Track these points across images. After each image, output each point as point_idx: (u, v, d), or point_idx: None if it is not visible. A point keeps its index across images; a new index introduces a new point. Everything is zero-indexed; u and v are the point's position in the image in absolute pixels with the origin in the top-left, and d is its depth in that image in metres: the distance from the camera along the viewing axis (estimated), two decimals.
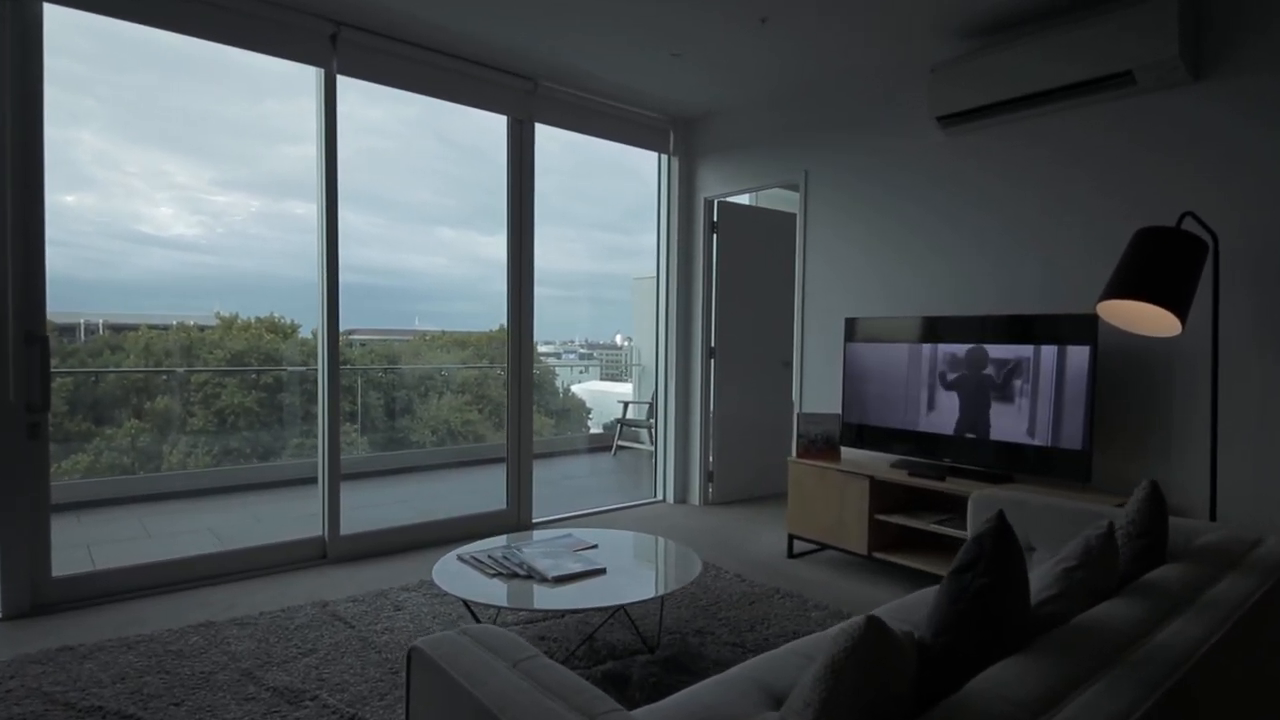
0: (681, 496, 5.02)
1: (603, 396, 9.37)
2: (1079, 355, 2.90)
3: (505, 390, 4.31)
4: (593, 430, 8.77)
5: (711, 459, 4.95)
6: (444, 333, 8.50)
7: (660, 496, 5.08)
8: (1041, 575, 1.41)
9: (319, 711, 2.10)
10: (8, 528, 2.81)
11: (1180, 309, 2.44)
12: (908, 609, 1.83)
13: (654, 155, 4.98)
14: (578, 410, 9.45)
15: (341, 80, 3.50)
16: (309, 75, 3.50)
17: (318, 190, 3.54)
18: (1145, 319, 2.58)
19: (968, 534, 2.48)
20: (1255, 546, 1.73)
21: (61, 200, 6.02)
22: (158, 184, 6.86)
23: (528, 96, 4.14)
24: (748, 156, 4.59)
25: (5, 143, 2.75)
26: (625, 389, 9.39)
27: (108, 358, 6.10)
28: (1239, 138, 2.73)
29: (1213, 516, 2.63)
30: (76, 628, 2.71)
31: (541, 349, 9.82)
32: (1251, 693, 1.35)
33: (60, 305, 6.00)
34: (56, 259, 5.94)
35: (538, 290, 4.28)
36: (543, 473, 6.60)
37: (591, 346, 11.65)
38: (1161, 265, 2.48)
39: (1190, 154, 2.85)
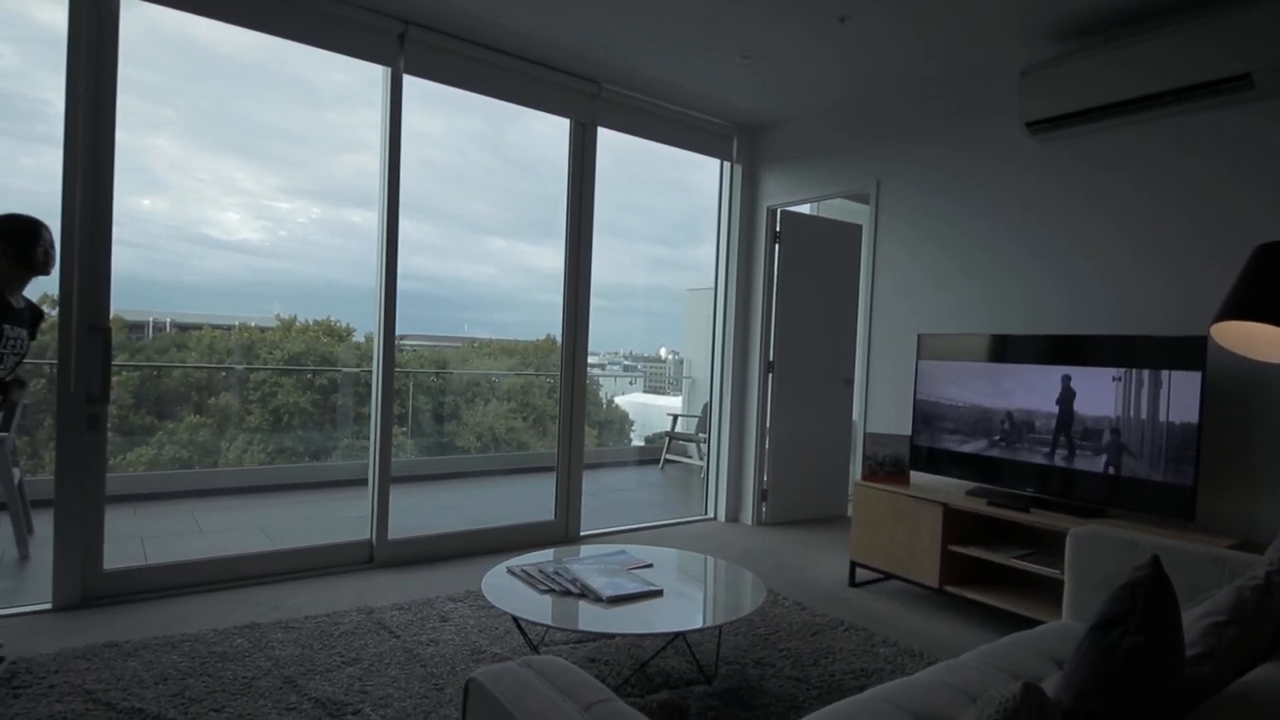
0: (734, 515, 4.84)
1: (645, 409, 9.28)
2: (1187, 381, 2.65)
3: (554, 399, 4.21)
4: (635, 443, 8.67)
5: (766, 477, 4.76)
6: (492, 340, 8.53)
7: (711, 514, 4.91)
8: (1191, 631, 1.22)
9: None
10: (63, 519, 2.81)
11: None
12: (1004, 655, 1.63)
13: (715, 162, 4.85)
14: (620, 422, 9.36)
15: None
16: (368, 87, 3.48)
17: (380, 193, 3.51)
18: (1266, 342, 2.33)
19: (1065, 573, 2.26)
20: None
21: (137, 204, 6.22)
22: (226, 189, 7.07)
23: (591, 100, 4.06)
24: (814, 164, 4.42)
25: (78, 143, 2.77)
26: (668, 401, 9.23)
27: (173, 355, 6.26)
28: None
29: None
30: (123, 623, 2.68)
31: (588, 359, 9.79)
32: None
33: (131, 303, 6.19)
34: (130, 259, 6.10)
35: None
36: (588, 484, 6.50)
37: (636, 359, 11.57)
38: None
39: None
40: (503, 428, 7.68)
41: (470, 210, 9.09)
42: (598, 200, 4.15)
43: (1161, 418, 2.71)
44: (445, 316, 9.26)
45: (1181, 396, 2.66)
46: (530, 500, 4.29)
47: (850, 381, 4.98)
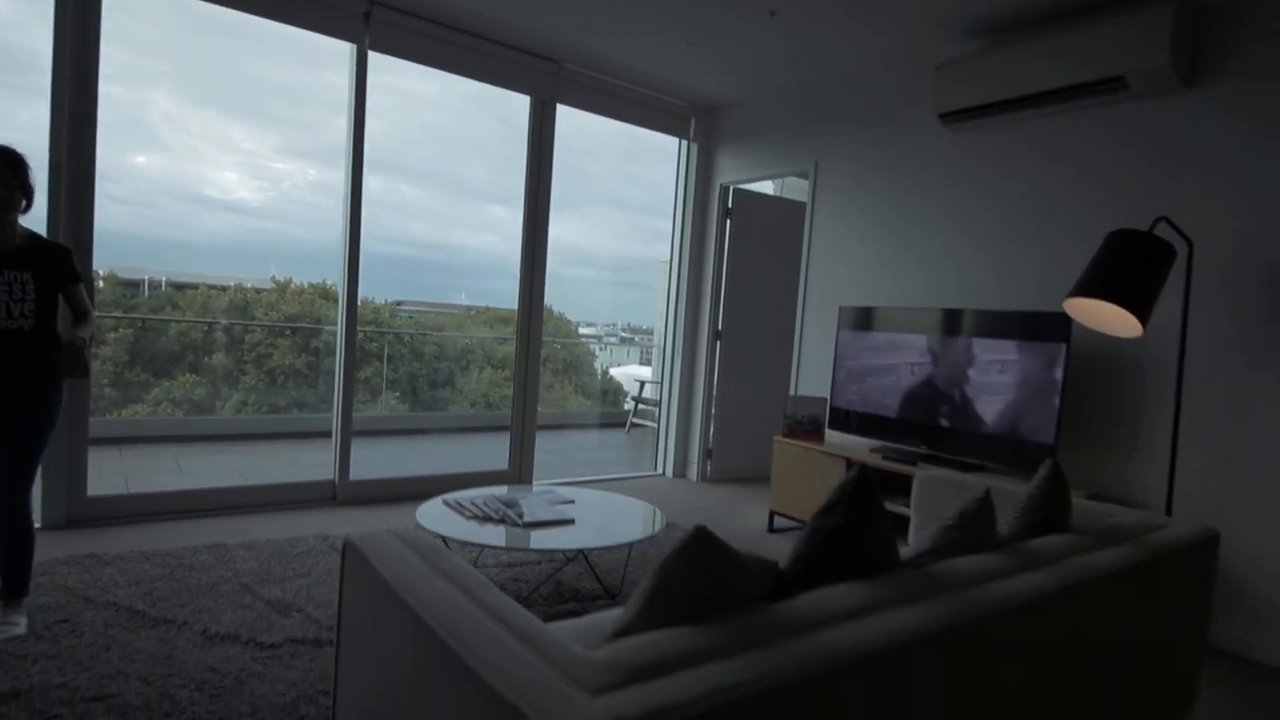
0: (680, 472, 5.20)
1: (639, 379, 9.56)
2: (1053, 352, 2.98)
3: (549, 367, 4.52)
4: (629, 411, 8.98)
5: (712, 438, 5.11)
6: (488, 308, 8.76)
7: (660, 470, 5.26)
8: (925, 535, 1.56)
9: (302, 621, 2.35)
10: (49, 448, 3.13)
11: (1142, 311, 2.51)
12: None
13: (675, 141, 5.12)
14: (615, 392, 9.57)
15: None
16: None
17: (346, 159, 3.78)
18: (1109, 318, 2.65)
19: (910, 509, 2.61)
20: (1158, 530, 1.84)
21: (132, 160, 6.37)
22: (223, 148, 7.17)
23: (551, 78, 4.31)
24: (763, 145, 4.70)
25: (64, 94, 3.03)
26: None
27: (168, 314, 6.44)
28: (1223, 147, 2.77)
29: (1168, 511, 2.70)
30: (104, 540, 3.02)
31: (584, 330, 9.96)
32: (1090, 649, 1.48)
33: (126, 260, 6.36)
34: (124, 216, 6.26)
35: (582, 272, 4.48)
36: (555, 443, 6.85)
37: (634, 331, 11.76)
38: (1128, 267, 2.55)
39: (1176, 160, 2.89)
40: (497, 395, 7.95)
41: (472, 177, 9.19)
42: (601, 172, 4.39)
43: (1032, 384, 3.04)
44: (445, 283, 9.44)
45: (1049, 366, 2.99)
46: (498, 454, 4.63)
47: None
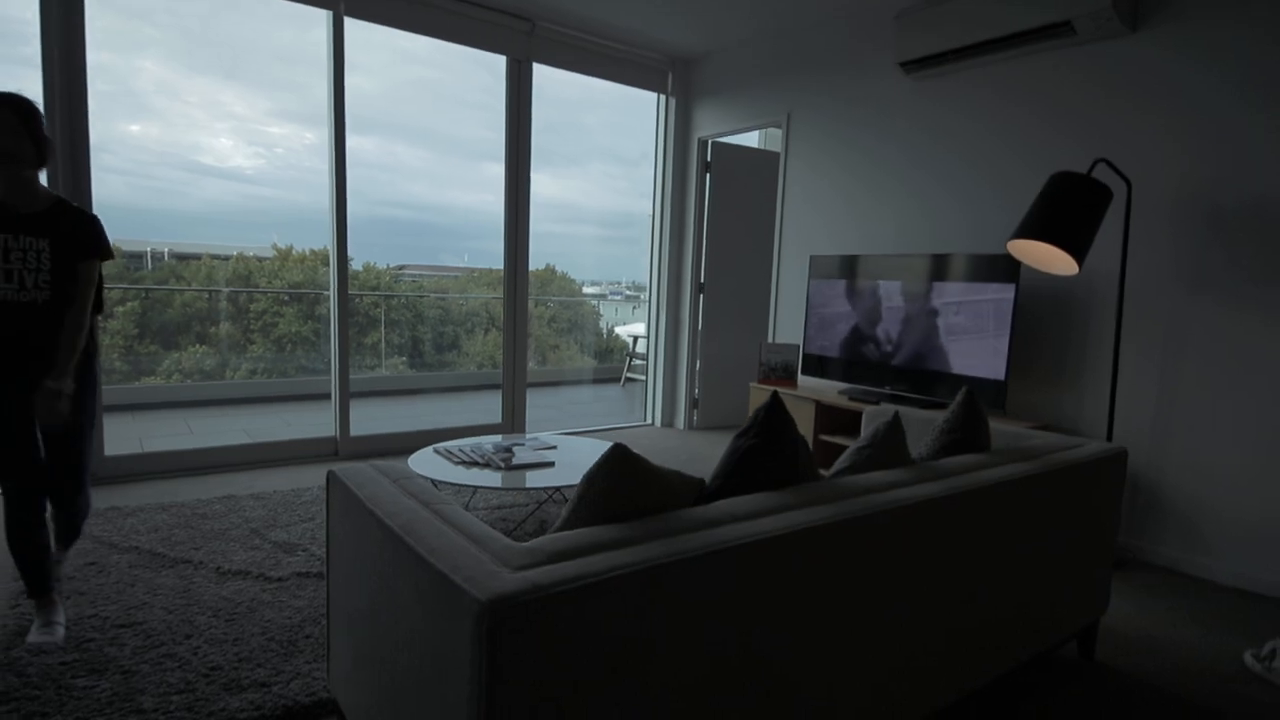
0: (669, 421, 5.42)
1: (633, 336, 9.67)
2: (1003, 293, 3.14)
3: (553, 328, 4.69)
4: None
5: (698, 387, 5.31)
6: (490, 270, 8.84)
7: (649, 420, 5.48)
8: (844, 455, 1.75)
9: (307, 559, 2.59)
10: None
11: (1077, 251, 2.67)
12: None
13: (653, 96, 5.20)
14: (620, 351, 9.66)
15: None
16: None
17: (329, 124, 3.91)
18: (1049, 258, 2.81)
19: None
20: (1068, 449, 2.03)
21: (126, 129, 6.43)
22: (216, 114, 7.18)
23: (525, 37, 4.40)
24: (739, 97, 4.78)
25: (54, 64, 3.16)
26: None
27: (173, 285, 6.59)
28: (1164, 88, 2.88)
29: (1109, 437, 2.90)
30: (122, 495, 3.26)
31: (588, 290, 10.02)
32: (993, 552, 1.68)
33: (126, 233, 6.47)
34: (121, 187, 6.34)
35: (584, 229, 4.60)
36: (551, 398, 7.08)
37: (638, 288, 11.75)
38: (1066, 209, 2.70)
39: (1122, 101, 3.00)
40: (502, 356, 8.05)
41: (467, 135, 9.14)
42: (595, 125, 4.46)
43: (985, 324, 3.21)
44: (446, 245, 9.47)
45: (1000, 306, 3.15)
46: (495, 410, 4.86)
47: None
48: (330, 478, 1.54)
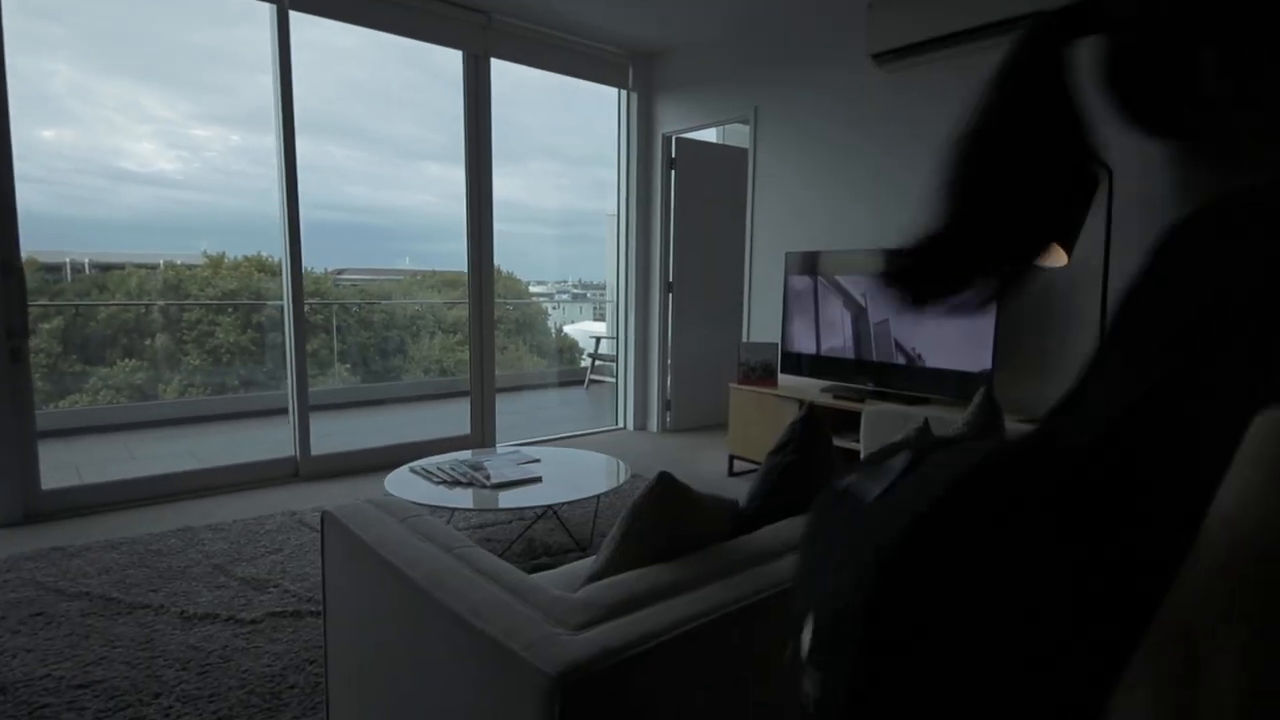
0: (641, 424, 5.31)
1: (594, 336, 9.56)
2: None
3: (502, 328, 4.51)
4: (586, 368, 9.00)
5: (670, 389, 5.21)
6: (434, 273, 8.58)
7: (621, 424, 5.36)
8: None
9: (280, 596, 2.39)
10: None
11: (1067, 241, 2.65)
12: None
13: (614, 91, 5.07)
14: (570, 350, 9.56)
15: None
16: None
17: (276, 125, 3.66)
18: None
19: (860, 442, 2.75)
20: None
21: (40, 135, 6.01)
22: (136, 117, 6.80)
23: (482, 31, 4.22)
24: (703, 92, 4.69)
25: None
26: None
27: (95, 297, 6.17)
28: None
29: None
30: (65, 533, 2.99)
31: (535, 289, 9.85)
32: None
33: (43, 244, 6.03)
34: (36, 196, 5.91)
35: (528, 229, 4.48)
36: (516, 404, 6.89)
37: (585, 287, 11.63)
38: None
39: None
40: (451, 360, 7.86)
41: (403, 135, 8.88)
42: (536, 124, 4.32)
43: (969, 318, 3.19)
44: (386, 248, 9.17)
45: None
46: (458, 419, 4.67)
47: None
48: (326, 519, 1.38)
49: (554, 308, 10.07)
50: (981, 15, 3.14)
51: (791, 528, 1.24)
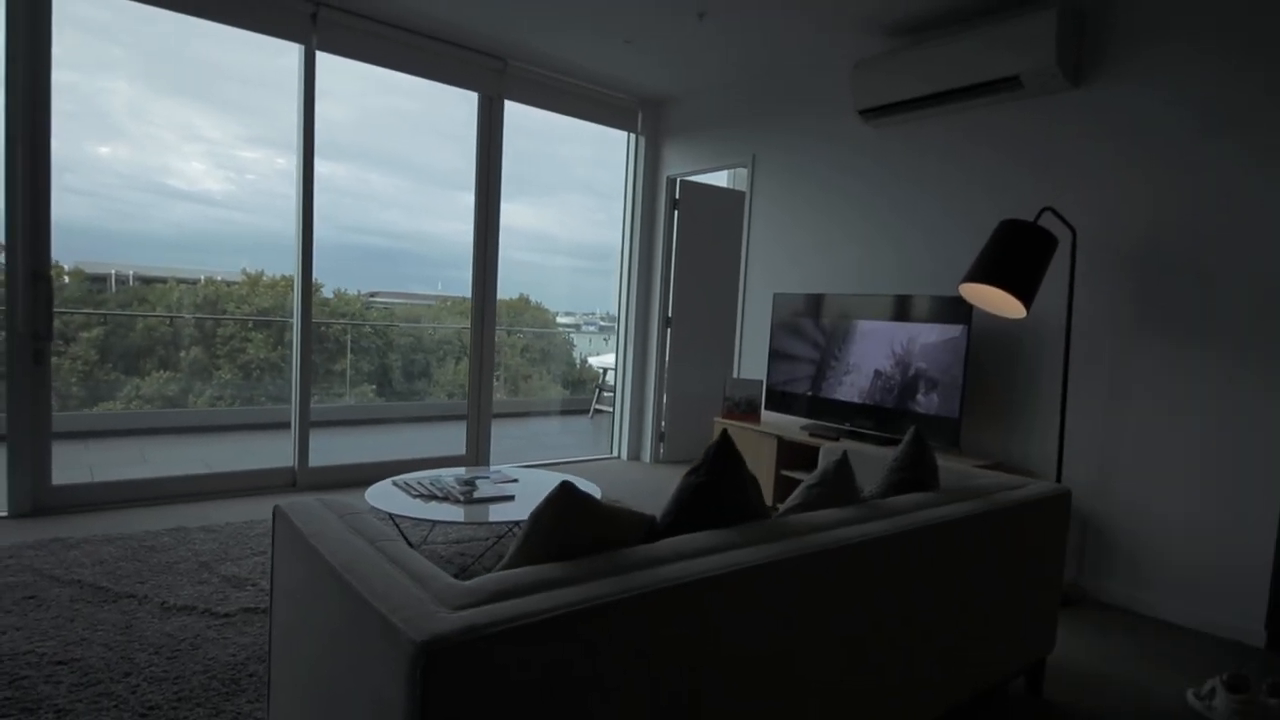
0: (635, 454, 5.42)
1: (602, 368, 9.66)
2: (955, 333, 3.22)
3: (526, 357, 4.66)
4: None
5: (664, 421, 5.33)
6: (465, 299, 8.78)
7: (615, 453, 5.48)
8: (795, 493, 1.78)
9: (256, 594, 2.54)
10: (15, 439, 3.27)
11: (1025, 295, 2.76)
12: None
13: (623, 134, 5.29)
14: (593, 381, 9.64)
15: None
16: None
17: (296, 155, 3.91)
18: (998, 302, 2.90)
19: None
20: (1014, 489, 2.08)
21: (95, 151, 6.34)
22: (186, 136, 7.09)
23: (498, 75, 4.47)
24: (706, 138, 4.90)
25: (17, 84, 3.13)
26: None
27: (136, 309, 6.39)
28: (1104, 142, 3.02)
29: (1059, 478, 2.97)
30: (68, 526, 3.17)
31: (562, 320, 10.00)
32: (940, 588, 1.71)
33: (90, 255, 6.33)
34: (86, 209, 6.22)
35: (559, 260, 4.61)
36: (520, 429, 7.04)
37: (611, 319, 11.72)
38: (1014, 254, 2.80)
39: (1069, 152, 3.13)
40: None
41: (441, 164, 9.15)
42: (571, 158, 4.48)
43: (939, 364, 3.29)
44: (421, 273, 9.40)
45: (953, 347, 3.23)
46: (461, 440, 4.82)
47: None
48: (276, 513, 1.52)
49: (577, 338, 10.21)
50: (957, 79, 3.29)
51: (690, 541, 1.36)
